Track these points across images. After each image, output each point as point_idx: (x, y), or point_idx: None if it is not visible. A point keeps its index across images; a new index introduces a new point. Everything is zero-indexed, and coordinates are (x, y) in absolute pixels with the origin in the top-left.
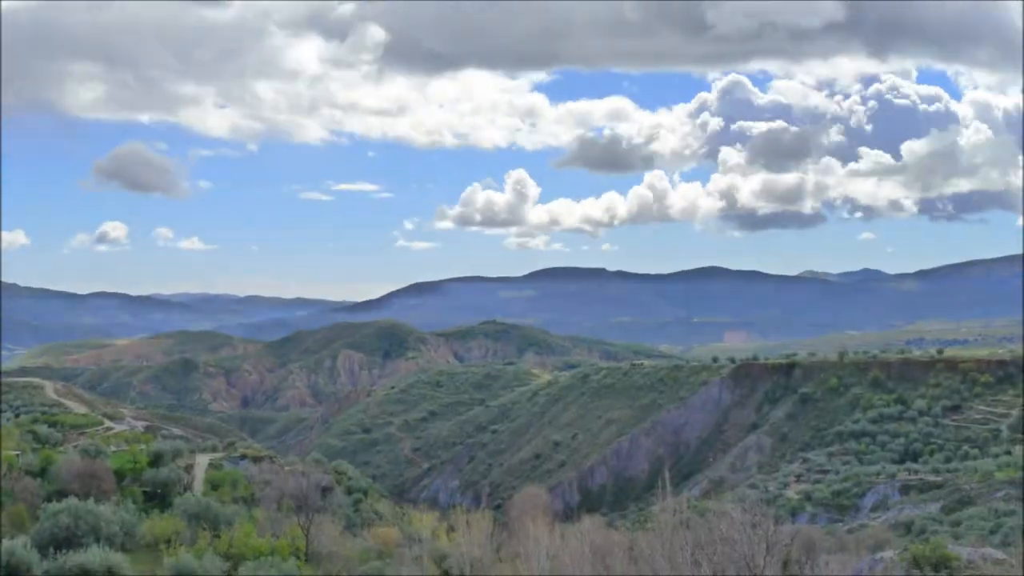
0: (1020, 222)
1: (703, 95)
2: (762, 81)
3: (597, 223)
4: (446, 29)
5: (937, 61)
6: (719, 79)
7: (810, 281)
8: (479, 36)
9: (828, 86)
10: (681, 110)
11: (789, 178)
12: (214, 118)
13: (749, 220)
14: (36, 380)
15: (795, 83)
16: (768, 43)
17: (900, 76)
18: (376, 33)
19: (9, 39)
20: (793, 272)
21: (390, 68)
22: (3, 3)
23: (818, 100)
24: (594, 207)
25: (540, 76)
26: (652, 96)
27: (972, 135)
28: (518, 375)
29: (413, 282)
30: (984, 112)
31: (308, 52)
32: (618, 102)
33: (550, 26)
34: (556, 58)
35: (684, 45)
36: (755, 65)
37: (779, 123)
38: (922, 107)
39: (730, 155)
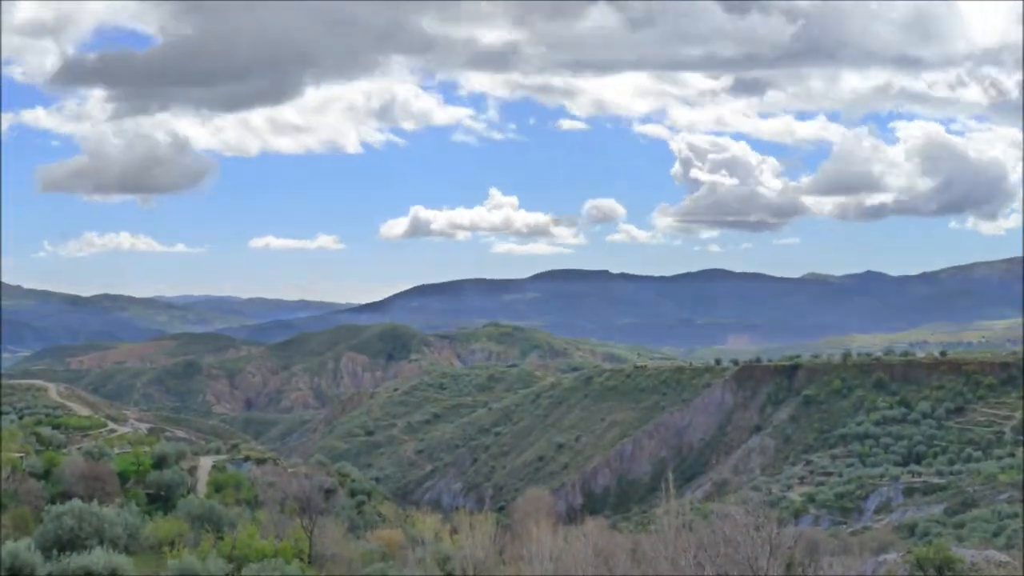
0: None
1: None
2: None
3: (601, 225)
4: None
5: None
6: None
7: (813, 283)
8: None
9: None
10: None
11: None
12: None
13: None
14: (39, 382)
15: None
16: None
17: None
18: None
19: None
20: (796, 274)
21: None
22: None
23: None
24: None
25: None
26: None
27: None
28: (521, 377)
29: (417, 284)
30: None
31: None
32: None
33: None
34: None
35: None
36: None
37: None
38: None
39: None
